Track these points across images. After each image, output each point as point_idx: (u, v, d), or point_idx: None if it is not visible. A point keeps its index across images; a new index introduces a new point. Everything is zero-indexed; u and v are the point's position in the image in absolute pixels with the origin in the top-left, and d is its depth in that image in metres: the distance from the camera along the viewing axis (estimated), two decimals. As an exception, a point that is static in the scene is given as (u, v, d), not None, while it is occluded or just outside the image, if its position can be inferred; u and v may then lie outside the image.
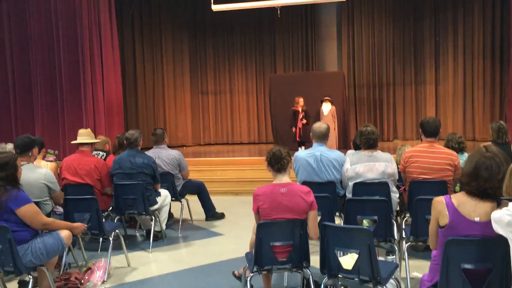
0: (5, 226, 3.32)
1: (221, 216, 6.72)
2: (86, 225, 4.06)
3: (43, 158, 6.43)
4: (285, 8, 11.96)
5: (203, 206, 6.63)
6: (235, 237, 5.73)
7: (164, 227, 5.72)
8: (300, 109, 10.34)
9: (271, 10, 11.28)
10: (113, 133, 8.79)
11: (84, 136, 5.31)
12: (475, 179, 2.53)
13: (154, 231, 5.40)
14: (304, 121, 10.27)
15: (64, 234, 3.69)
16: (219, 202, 7.00)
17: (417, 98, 13.39)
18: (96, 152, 6.06)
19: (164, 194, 5.67)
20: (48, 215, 4.24)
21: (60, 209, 4.83)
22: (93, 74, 9.32)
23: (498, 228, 2.38)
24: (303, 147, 10.01)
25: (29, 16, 9.76)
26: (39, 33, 9.71)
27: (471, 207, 2.54)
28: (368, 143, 4.47)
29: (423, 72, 13.26)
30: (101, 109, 9.33)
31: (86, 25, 9.23)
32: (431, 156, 4.39)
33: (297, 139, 10.33)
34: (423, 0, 13.07)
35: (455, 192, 4.13)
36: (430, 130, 4.49)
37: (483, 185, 2.51)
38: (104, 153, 6.23)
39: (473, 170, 2.55)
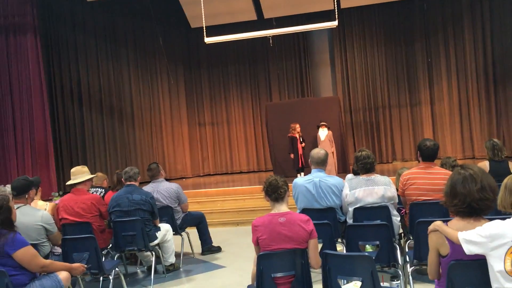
0: (2, 270, 3.27)
1: (218, 249, 6.57)
2: (85, 266, 3.99)
3: (51, 201, 6.41)
4: (278, 37, 12.13)
5: (200, 238, 6.53)
6: (237, 269, 5.64)
7: (173, 260, 5.69)
8: (297, 135, 10.41)
9: (264, 39, 11.45)
10: (43, 174, 9.01)
11: (76, 175, 5.21)
12: (455, 197, 2.56)
13: (165, 266, 5.58)
14: (303, 144, 10.38)
15: (63, 275, 3.63)
16: (220, 234, 6.93)
17: (413, 118, 13.44)
18: (94, 189, 6.03)
19: (165, 229, 5.60)
20: (47, 256, 4.18)
21: (58, 250, 4.77)
22: (16, 118, 9.53)
23: (473, 249, 2.39)
24: (302, 174, 10.00)
25: None
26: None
27: None
28: (365, 167, 4.47)
29: (418, 93, 13.34)
30: (28, 151, 9.51)
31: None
32: (428, 177, 4.37)
33: (300, 165, 10.34)
34: (413, 23, 13.27)
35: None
36: (427, 155, 4.49)
37: (464, 199, 2.52)
38: (103, 190, 6.20)
39: (451, 189, 2.59)
